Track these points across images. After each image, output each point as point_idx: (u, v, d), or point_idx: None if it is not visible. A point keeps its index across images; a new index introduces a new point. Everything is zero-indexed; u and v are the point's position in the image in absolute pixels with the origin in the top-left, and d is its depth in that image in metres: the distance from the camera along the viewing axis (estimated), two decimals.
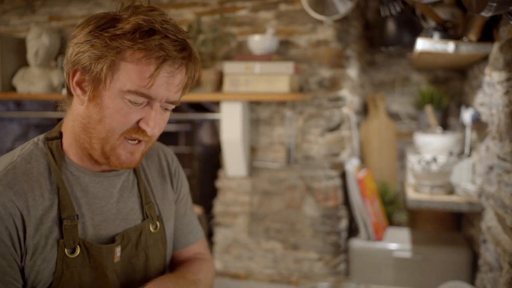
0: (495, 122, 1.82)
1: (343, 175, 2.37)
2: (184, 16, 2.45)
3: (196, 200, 2.92)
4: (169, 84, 0.94)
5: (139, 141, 0.98)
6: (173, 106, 0.99)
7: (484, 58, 2.08)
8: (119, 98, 0.92)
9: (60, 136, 1.00)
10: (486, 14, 1.43)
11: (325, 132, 2.31)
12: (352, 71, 2.44)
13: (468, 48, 1.98)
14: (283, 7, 2.32)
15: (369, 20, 2.91)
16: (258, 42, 2.20)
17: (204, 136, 2.90)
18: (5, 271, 0.89)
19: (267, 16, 2.34)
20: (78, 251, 0.96)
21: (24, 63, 2.58)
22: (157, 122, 0.96)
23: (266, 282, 2.38)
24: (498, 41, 1.83)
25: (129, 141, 0.97)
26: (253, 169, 2.39)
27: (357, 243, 2.37)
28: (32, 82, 2.49)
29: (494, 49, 1.88)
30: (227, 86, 2.20)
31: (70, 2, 2.65)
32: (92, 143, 0.96)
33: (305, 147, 2.33)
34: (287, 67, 2.12)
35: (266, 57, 2.17)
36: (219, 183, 2.47)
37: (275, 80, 2.11)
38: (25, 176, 0.93)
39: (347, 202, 2.44)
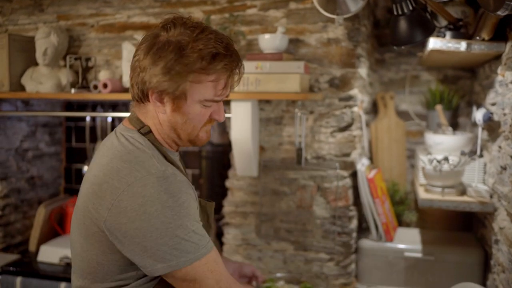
0: (508, 122, 1.80)
1: (354, 175, 2.35)
2: (193, 14, 2.44)
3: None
4: (230, 86, 1.25)
5: None
6: None
7: (496, 57, 2.06)
8: (197, 105, 1.21)
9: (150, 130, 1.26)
10: (503, 13, 1.42)
11: (336, 131, 2.29)
12: (363, 70, 2.42)
13: (480, 47, 1.96)
14: (293, 5, 2.31)
15: (379, 19, 2.89)
16: (268, 41, 2.18)
17: (213, 135, 2.89)
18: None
19: (277, 14, 2.33)
20: (198, 207, 1.25)
21: (32, 63, 2.57)
22: (223, 112, 1.28)
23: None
24: (511, 40, 1.81)
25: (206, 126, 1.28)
26: (263, 169, 2.38)
27: (367, 244, 2.36)
28: (40, 81, 2.48)
29: (507, 48, 1.85)
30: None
31: (78, 1, 2.64)
32: (180, 137, 1.26)
33: (316, 146, 2.32)
34: (298, 66, 2.10)
35: (277, 56, 2.16)
36: (229, 183, 2.46)
37: (286, 79, 2.10)
38: (164, 160, 1.22)
39: (357, 202, 2.42)
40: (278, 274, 2.17)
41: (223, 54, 1.17)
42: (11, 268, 2.55)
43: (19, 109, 2.89)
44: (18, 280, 2.47)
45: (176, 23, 1.18)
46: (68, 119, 3.24)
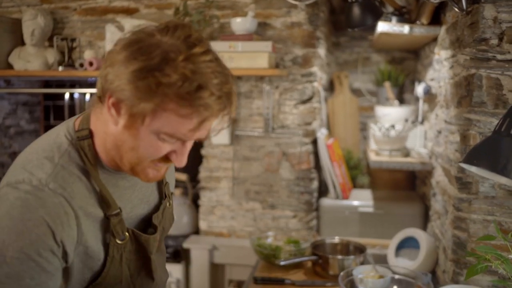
0: (443, 93, 2.15)
1: (315, 142, 2.69)
2: (170, 0, 2.69)
3: (182, 168, 3.17)
4: (205, 130, 0.97)
5: None
6: None
7: (434, 39, 2.42)
8: (154, 134, 0.94)
9: (90, 135, 1.02)
10: (435, 0, 1.76)
11: (299, 104, 2.61)
12: (321, 51, 2.75)
13: (420, 30, 2.31)
14: None
15: (335, 6, 3.23)
16: (240, 24, 2.47)
17: None
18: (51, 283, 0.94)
19: (246, 0, 2.62)
20: (127, 237, 1.05)
21: (18, 43, 2.76)
22: (184, 156, 1.00)
23: (247, 239, 2.68)
24: (445, 24, 2.16)
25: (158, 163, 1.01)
26: (235, 138, 2.68)
27: (327, 202, 2.70)
28: (28, 60, 2.67)
29: (442, 31, 2.20)
30: None
31: None
32: (122, 161, 1.00)
33: (281, 117, 2.63)
34: (266, 46, 2.40)
35: (247, 37, 2.45)
36: (204, 151, 2.75)
37: (256, 57, 2.39)
38: (72, 177, 0.98)
39: (318, 165, 2.76)
40: (270, 233, 2.34)
41: (211, 92, 0.89)
42: None
43: (1, 87, 3.06)
44: None
45: (178, 29, 0.93)
46: (47, 98, 3.41)
